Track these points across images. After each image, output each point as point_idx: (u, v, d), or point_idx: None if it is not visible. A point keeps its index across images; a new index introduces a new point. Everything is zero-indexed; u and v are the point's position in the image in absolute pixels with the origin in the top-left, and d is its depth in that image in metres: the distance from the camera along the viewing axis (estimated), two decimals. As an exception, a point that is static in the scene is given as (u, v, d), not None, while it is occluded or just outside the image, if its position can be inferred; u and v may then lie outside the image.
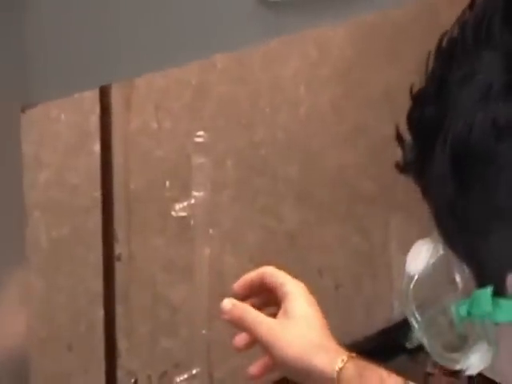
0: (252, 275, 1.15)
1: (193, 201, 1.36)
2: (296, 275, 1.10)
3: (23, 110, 0.85)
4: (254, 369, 1.12)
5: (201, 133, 1.36)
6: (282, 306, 1.12)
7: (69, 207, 1.37)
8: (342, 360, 1.07)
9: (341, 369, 1.06)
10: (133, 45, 0.87)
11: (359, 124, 1.57)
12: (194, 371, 1.36)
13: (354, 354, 1.08)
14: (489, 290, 0.79)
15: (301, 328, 1.11)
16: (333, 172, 1.53)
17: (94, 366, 1.43)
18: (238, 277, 1.15)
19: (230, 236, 1.54)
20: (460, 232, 0.80)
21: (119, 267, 1.43)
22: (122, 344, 1.46)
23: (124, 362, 1.48)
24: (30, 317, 0.87)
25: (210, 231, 1.38)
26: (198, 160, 1.34)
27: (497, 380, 0.91)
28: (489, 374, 0.95)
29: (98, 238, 1.40)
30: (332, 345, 1.10)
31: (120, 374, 1.48)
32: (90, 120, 1.35)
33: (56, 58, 0.85)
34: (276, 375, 1.19)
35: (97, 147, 1.38)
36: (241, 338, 1.11)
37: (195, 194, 1.35)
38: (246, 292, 1.15)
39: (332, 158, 1.52)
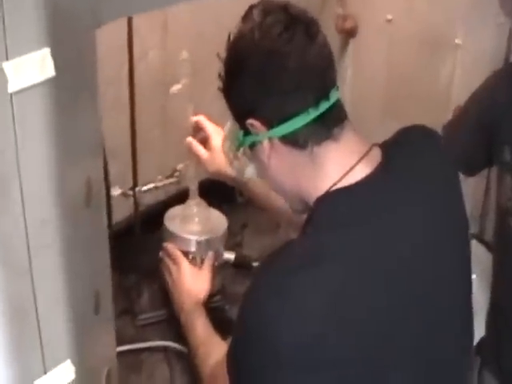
0: (194, 118, 1.66)
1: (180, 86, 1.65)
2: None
3: (99, 26, 0.92)
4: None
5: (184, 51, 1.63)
6: (207, 142, 1.64)
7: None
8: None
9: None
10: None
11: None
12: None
13: None
14: (241, 132, 1.19)
15: (216, 156, 1.61)
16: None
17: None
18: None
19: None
20: (230, 109, 1.20)
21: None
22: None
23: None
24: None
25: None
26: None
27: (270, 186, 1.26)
28: (259, 176, 1.30)
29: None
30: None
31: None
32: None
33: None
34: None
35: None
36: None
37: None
38: (195, 130, 1.66)
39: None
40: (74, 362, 0.99)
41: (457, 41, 2.20)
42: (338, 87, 1.18)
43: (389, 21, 2.36)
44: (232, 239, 2.06)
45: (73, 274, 0.94)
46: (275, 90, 1.13)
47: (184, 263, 1.67)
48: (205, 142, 1.67)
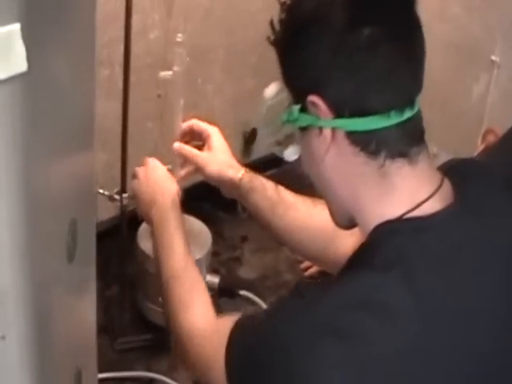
0: (186, 125, 1.36)
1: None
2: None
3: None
4: (182, 172, 1.34)
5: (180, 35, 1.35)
6: (206, 143, 1.33)
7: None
8: (241, 172, 1.29)
9: (241, 177, 1.28)
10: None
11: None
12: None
13: (247, 169, 1.29)
14: (297, 106, 0.89)
15: (218, 155, 1.31)
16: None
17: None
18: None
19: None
20: (285, 73, 0.91)
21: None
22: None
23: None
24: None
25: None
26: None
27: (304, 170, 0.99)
28: (303, 167, 0.98)
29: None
30: (236, 164, 1.31)
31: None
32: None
33: None
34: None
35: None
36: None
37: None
38: (186, 137, 1.35)
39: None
40: None
41: (493, 57, 1.92)
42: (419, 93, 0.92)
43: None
44: (229, 253, 1.80)
45: (43, 354, 0.60)
46: (362, 69, 0.84)
47: (151, 159, 1.31)
48: (200, 148, 1.35)
